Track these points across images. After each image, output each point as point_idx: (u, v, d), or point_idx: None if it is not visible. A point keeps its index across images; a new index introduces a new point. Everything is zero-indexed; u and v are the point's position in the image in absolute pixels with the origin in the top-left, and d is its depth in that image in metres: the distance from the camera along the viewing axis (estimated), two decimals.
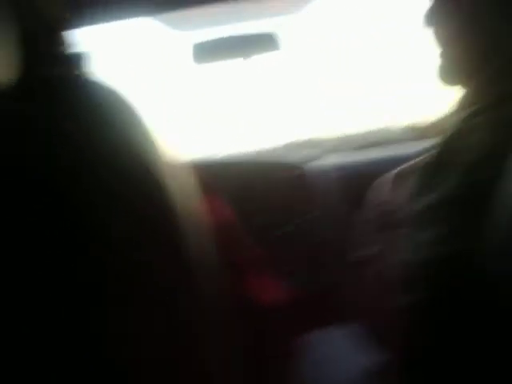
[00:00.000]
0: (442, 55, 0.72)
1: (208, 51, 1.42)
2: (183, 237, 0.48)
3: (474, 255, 0.58)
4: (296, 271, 1.37)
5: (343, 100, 2.03)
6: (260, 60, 1.47)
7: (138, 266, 0.44)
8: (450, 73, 0.72)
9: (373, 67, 2.01)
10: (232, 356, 0.58)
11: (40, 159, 0.42)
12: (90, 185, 0.43)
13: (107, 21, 1.20)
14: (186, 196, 0.53)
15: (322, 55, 2.06)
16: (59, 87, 0.47)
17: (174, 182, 0.50)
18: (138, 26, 1.62)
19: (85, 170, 0.43)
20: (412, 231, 0.65)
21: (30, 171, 0.41)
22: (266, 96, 1.98)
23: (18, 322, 0.41)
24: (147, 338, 0.44)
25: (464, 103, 0.69)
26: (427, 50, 0.75)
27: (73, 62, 0.52)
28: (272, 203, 1.42)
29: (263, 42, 1.37)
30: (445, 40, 0.71)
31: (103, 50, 1.67)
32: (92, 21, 1.13)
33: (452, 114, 0.69)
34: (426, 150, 0.69)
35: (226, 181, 1.40)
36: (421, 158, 0.77)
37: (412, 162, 0.88)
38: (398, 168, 0.91)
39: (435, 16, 0.71)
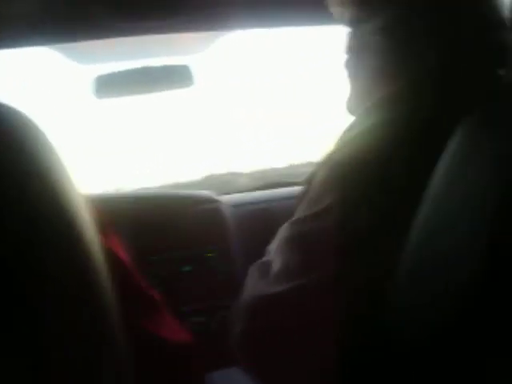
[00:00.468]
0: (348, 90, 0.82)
1: (112, 85, 1.37)
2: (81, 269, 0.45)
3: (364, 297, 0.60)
4: (201, 309, 1.34)
5: (257, 136, 2.05)
6: (173, 95, 1.45)
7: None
8: (350, 104, 0.82)
9: (285, 104, 2.06)
10: None
11: None
12: None
13: (5, 47, 1.15)
14: (88, 231, 0.50)
15: (232, 92, 2.08)
16: None
17: (80, 215, 0.47)
18: (36, 56, 1.55)
19: None
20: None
21: None
22: (181, 131, 1.97)
23: None
24: None
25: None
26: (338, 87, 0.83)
27: None
28: (185, 237, 1.39)
29: (175, 77, 1.35)
30: (347, 77, 0.81)
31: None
32: None
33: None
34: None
35: (137, 215, 1.36)
36: None
37: None
38: None
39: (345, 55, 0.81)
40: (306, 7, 1.20)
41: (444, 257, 0.53)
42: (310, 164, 1.87)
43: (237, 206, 1.54)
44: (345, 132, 0.73)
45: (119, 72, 1.36)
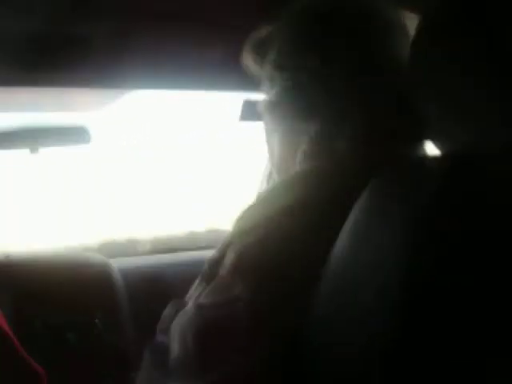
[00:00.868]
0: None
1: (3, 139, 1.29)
2: None
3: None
4: (86, 380, 1.24)
5: (158, 201, 2.01)
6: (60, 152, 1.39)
7: None
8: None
9: (186, 167, 2.05)
10: None
11: None
12: None
13: None
14: None
15: (131, 152, 2.04)
16: None
17: None
18: None
19: None
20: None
21: None
22: (78, 191, 1.88)
23: None
24: None
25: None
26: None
27: None
28: (71, 302, 1.29)
29: (71, 135, 1.31)
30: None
31: None
32: None
33: None
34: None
35: (21, 277, 1.27)
36: None
37: None
38: None
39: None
40: (208, 71, 1.23)
41: (352, 326, 0.53)
42: (212, 231, 1.86)
43: (128, 270, 1.48)
44: (252, 209, 0.72)
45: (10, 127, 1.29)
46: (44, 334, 1.24)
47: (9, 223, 1.77)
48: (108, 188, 1.98)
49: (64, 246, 1.71)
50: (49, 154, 1.34)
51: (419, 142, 0.71)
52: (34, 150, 1.29)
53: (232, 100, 1.47)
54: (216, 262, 0.69)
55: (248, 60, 0.80)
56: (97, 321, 1.31)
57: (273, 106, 0.74)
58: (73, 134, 1.31)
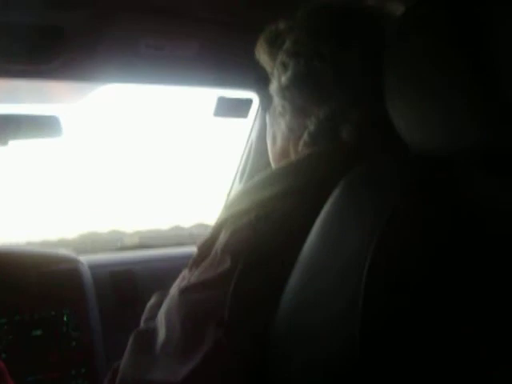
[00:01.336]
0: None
1: None
2: None
3: None
4: (52, 378, 1.21)
5: (127, 195, 1.98)
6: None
7: None
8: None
9: (160, 162, 2.03)
10: None
11: None
12: None
13: None
14: None
15: (103, 147, 2.01)
16: None
17: None
18: None
19: None
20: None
21: None
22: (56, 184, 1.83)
23: None
24: None
25: None
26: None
27: None
28: (38, 298, 1.27)
29: (44, 126, 1.28)
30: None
31: None
32: None
33: None
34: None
35: None
36: None
37: None
38: None
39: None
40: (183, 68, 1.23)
41: (320, 321, 0.54)
42: (199, 226, 1.86)
43: (97, 266, 1.46)
44: (245, 193, 0.73)
45: None
46: (8, 331, 1.21)
47: None
48: (85, 182, 1.94)
49: (40, 239, 1.67)
50: (21, 146, 1.31)
51: None
52: (3, 142, 1.26)
53: (206, 96, 1.47)
54: (207, 246, 0.70)
55: (262, 51, 0.82)
56: (65, 318, 1.29)
57: (285, 89, 0.76)
58: (44, 124, 1.27)
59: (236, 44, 1.15)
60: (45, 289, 1.28)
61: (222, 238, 0.67)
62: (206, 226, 1.85)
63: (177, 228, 1.88)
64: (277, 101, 0.79)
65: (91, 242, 1.67)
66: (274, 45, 0.79)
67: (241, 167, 1.60)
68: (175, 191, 2.00)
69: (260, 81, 0.85)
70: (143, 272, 1.49)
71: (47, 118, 1.26)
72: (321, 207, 0.60)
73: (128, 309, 1.39)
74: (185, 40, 1.15)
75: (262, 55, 0.82)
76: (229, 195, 1.68)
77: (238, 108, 1.44)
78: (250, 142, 1.57)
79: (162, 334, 0.66)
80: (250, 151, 1.56)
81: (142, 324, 0.82)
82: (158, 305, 0.76)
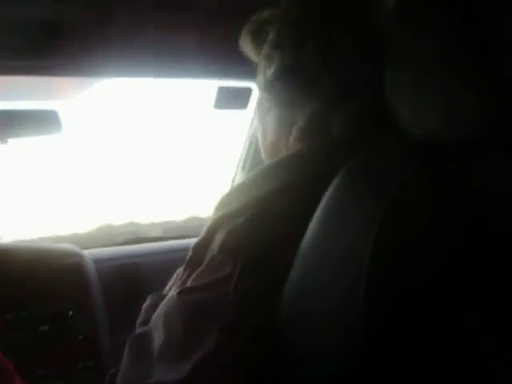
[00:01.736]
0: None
1: None
2: None
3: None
4: (59, 372, 1.22)
5: (126, 189, 1.98)
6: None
7: None
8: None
9: (160, 157, 2.03)
10: None
11: None
12: None
13: None
14: None
15: (102, 142, 2.01)
16: None
17: None
18: None
19: None
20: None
21: None
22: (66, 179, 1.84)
23: None
24: None
25: None
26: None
27: None
28: (43, 293, 1.27)
29: (43, 122, 1.27)
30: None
31: None
32: None
33: None
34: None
35: None
36: None
37: None
38: None
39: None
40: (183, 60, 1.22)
41: (321, 313, 0.54)
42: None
43: (102, 260, 1.46)
44: (239, 191, 0.72)
45: None
46: (17, 326, 1.22)
47: None
48: (85, 176, 1.95)
49: (52, 234, 1.67)
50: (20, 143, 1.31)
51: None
52: (1, 140, 1.26)
53: (207, 88, 1.46)
54: (202, 247, 0.69)
55: (246, 42, 0.80)
56: (70, 312, 1.29)
57: (271, 83, 0.74)
58: (43, 120, 1.27)
59: (234, 34, 1.15)
60: (50, 284, 1.28)
61: (219, 238, 0.66)
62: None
63: (194, 219, 1.87)
64: (263, 95, 0.77)
65: (107, 235, 1.67)
66: (258, 36, 0.76)
67: (243, 157, 1.60)
68: (187, 183, 2.00)
69: None
70: (149, 265, 1.49)
71: (45, 112, 1.25)
72: (316, 201, 0.59)
73: (134, 302, 1.39)
74: (184, 32, 1.15)
75: (246, 47, 0.80)
76: (232, 183, 1.68)
77: (238, 98, 1.44)
78: (251, 130, 1.56)
79: (160, 337, 0.65)
80: (251, 141, 1.56)
81: (136, 328, 0.81)
82: (154, 306, 0.75)
